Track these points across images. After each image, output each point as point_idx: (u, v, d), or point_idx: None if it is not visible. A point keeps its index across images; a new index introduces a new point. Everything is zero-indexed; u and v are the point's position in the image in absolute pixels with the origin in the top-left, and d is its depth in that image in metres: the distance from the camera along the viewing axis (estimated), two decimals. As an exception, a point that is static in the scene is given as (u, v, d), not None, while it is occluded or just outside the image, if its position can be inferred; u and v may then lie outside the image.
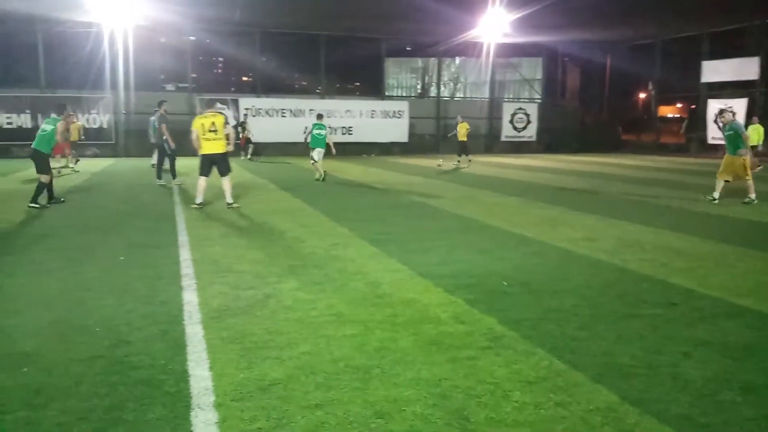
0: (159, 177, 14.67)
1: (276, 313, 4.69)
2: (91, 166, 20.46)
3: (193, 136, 10.46)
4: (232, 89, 31.99)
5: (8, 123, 24.75)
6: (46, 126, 10.78)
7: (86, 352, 3.88)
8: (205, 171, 10.57)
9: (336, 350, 3.94)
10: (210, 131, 10.33)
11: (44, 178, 10.57)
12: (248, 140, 24.91)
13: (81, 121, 22.90)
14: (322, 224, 8.90)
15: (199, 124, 10.41)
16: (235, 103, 27.54)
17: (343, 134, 28.92)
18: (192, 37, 28.06)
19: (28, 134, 23.90)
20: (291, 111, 27.71)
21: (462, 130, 22.03)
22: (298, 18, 26.05)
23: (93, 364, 3.69)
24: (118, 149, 26.33)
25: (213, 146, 10.42)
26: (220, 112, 10.89)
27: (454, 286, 5.44)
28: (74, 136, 18.71)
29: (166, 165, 14.49)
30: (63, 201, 11.19)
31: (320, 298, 5.10)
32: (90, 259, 6.54)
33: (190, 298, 5.06)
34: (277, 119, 28.09)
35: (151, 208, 10.84)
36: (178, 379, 3.48)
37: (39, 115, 23.63)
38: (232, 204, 10.57)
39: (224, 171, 10.57)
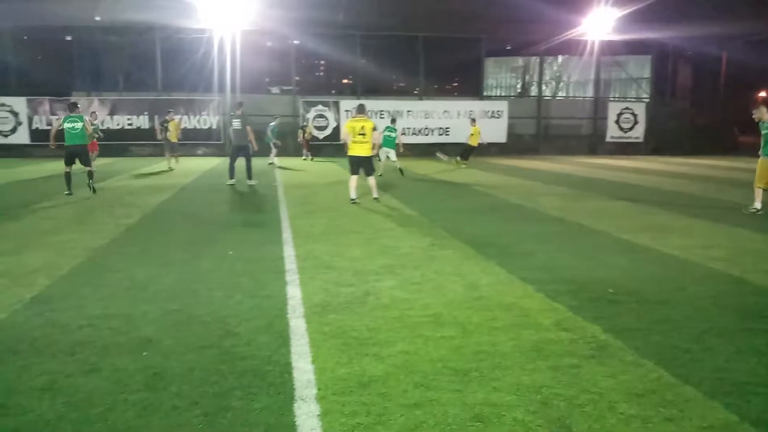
0: (249, 177, 14.79)
1: (375, 311, 4.76)
2: (200, 165, 21.60)
3: (343, 135, 11.43)
4: (333, 91, 32.76)
5: (129, 124, 26.64)
6: (75, 125, 12.02)
7: (199, 341, 4.11)
8: (354, 170, 11.38)
9: (434, 351, 3.94)
10: (359, 134, 11.05)
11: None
12: (311, 139, 25.60)
13: (184, 122, 24.36)
14: (419, 224, 8.94)
15: (351, 127, 11.13)
16: (336, 105, 28.21)
17: (440, 135, 28.89)
18: (296, 41, 28.98)
19: (146, 134, 25.78)
20: (389, 112, 28.01)
21: (474, 134, 21.77)
22: (397, 20, 26.31)
23: (204, 353, 3.90)
24: (225, 149, 27.66)
25: (360, 149, 11.16)
26: (369, 118, 11.59)
27: (556, 292, 5.30)
28: (173, 135, 19.53)
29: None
30: (69, 194, 12.07)
31: (418, 298, 5.12)
32: (203, 253, 6.92)
33: (294, 292, 5.24)
34: (375, 121, 28.46)
35: (258, 205, 11.33)
36: (282, 371, 3.61)
37: (156, 117, 25.32)
38: (377, 198, 11.45)
39: (369, 172, 11.48)
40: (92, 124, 14.71)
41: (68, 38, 27.64)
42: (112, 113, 26.35)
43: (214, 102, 27.42)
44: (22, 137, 25.84)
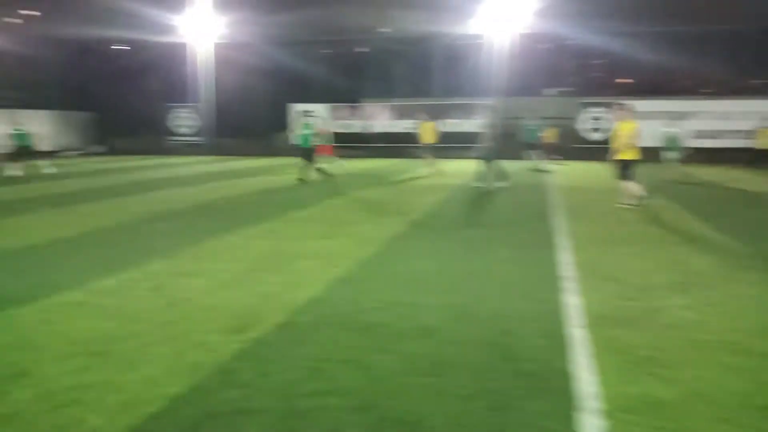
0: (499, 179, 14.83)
1: (662, 330, 4.42)
2: (469, 166, 22.21)
3: (633, 138, 10.88)
4: (610, 92, 31.02)
5: (409, 128, 28.64)
6: (304, 129, 15.66)
7: (477, 336, 4.27)
8: (628, 175, 11.08)
9: (733, 382, 3.52)
10: (626, 137, 10.82)
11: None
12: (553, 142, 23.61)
13: (461, 126, 25.11)
14: (711, 239, 8.01)
15: (627, 129, 10.93)
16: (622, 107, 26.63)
17: (740, 139, 25.42)
18: (572, 41, 28.14)
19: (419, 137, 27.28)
20: (667, 113, 25.49)
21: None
22: (689, 11, 23.89)
23: (482, 349, 4.04)
24: (504, 152, 27.99)
25: (629, 153, 10.89)
26: (634, 120, 11.18)
27: None
28: (429, 138, 19.65)
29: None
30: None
31: (711, 321, 4.62)
32: (483, 252, 7.16)
33: (572, 301, 5.13)
34: (652, 122, 26.24)
35: (528, 208, 11.31)
36: (562, 378, 3.57)
37: (435, 121, 26.76)
38: (629, 204, 10.89)
39: (628, 176, 11.06)
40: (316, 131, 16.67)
41: (359, 50, 30.84)
42: (396, 118, 28.64)
43: (497, 106, 28.06)
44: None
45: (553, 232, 8.57)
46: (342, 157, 20.48)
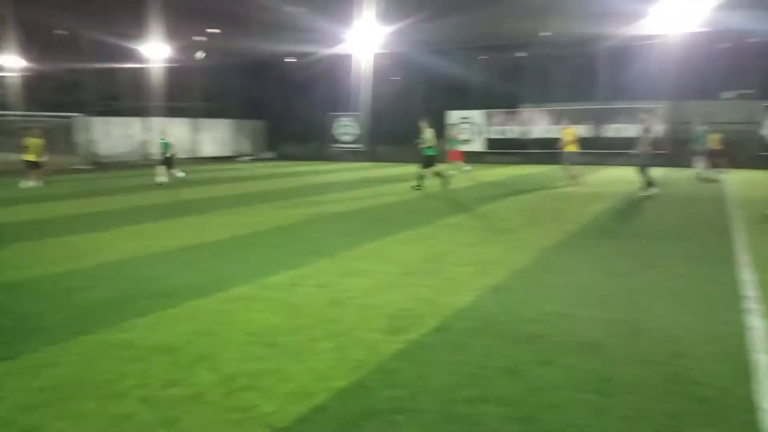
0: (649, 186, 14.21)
1: None
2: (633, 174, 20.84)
3: None
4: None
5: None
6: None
7: (647, 355, 4.01)
8: None
9: None
10: None
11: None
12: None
13: (625, 131, 23.54)
14: None
15: None
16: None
17: None
18: (754, 39, 25.41)
19: (587, 143, 26.02)
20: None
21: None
22: None
23: (653, 368, 3.79)
24: (670, 159, 26.00)
25: None
26: None
27: None
28: (571, 145, 18.39)
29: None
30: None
31: None
32: (651, 266, 6.72)
33: (756, 323, 4.63)
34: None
35: (699, 219, 10.40)
36: (743, 408, 3.25)
37: (597, 126, 25.64)
38: None
39: None
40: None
41: (519, 54, 30.23)
42: (555, 123, 27.71)
43: (656, 110, 26.21)
44: (479, 145, 29.56)
45: (730, 246, 7.80)
46: (468, 164, 20.25)
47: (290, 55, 33.79)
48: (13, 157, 23.48)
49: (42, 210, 11.84)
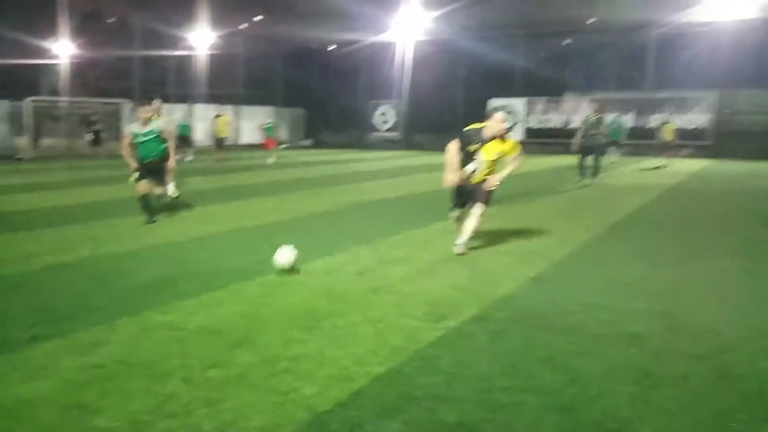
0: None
1: None
2: (688, 166, 20.34)
3: None
4: None
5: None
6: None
7: (690, 349, 3.93)
8: None
9: None
10: None
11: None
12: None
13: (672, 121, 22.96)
14: None
15: None
16: None
17: None
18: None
19: (633, 132, 25.36)
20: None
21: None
22: None
23: (697, 363, 3.71)
24: (714, 150, 25.27)
25: None
26: None
27: None
28: (670, 136, 18.43)
29: None
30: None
31: None
32: (694, 258, 6.58)
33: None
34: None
35: (753, 215, 10.08)
36: (794, 406, 3.16)
37: (645, 116, 25.02)
38: None
39: None
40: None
41: (565, 41, 29.64)
42: (599, 111, 27.07)
43: (706, 99, 25.41)
44: (519, 134, 29.10)
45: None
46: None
47: (333, 42, 33.83)
48: (64, 142, 24.22)
49: (86, 194, 12.15)
